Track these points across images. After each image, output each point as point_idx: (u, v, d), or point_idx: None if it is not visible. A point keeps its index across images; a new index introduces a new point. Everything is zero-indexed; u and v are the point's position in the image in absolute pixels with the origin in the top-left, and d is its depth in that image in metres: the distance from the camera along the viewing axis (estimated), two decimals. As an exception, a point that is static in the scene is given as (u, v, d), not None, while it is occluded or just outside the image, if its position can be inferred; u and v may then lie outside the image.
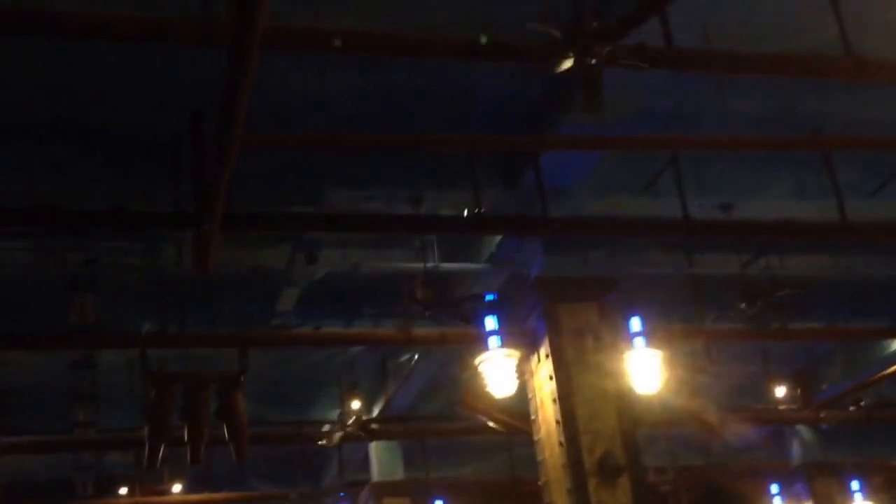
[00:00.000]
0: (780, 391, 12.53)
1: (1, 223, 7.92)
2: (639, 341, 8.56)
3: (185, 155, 7.44)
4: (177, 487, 13.84)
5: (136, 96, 7.42)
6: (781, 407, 12.74)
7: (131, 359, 10.05)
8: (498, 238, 9.25)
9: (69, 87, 7.40)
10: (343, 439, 11.37)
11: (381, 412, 12.72)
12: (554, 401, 8.52)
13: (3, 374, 10.62)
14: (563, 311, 8.56)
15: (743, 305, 9.48)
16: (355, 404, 11.36)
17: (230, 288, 9.67)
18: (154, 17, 5.67)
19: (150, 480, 13.55)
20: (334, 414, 11.83)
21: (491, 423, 10.44)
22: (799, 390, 12.29)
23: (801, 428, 14.46)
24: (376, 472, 13.82)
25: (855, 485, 14.01)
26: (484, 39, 5.36)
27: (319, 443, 11.50)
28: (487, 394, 9.08)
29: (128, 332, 9.91)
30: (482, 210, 7.75)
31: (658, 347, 8.58)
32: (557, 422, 8.49)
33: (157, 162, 7.97)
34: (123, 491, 13.88)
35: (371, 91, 7.57)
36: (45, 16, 5.58)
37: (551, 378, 8.55)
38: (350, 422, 11.23)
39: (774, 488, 14.40)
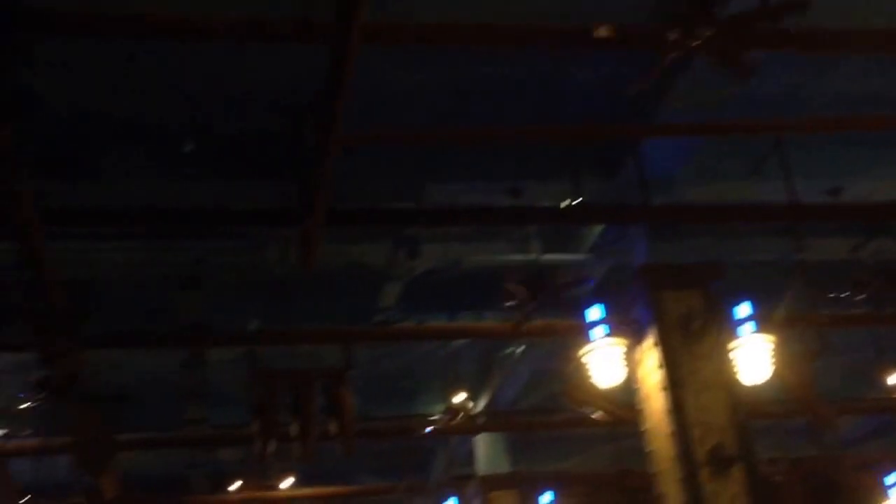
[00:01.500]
0: (894, 379, 12.06)
1: (112, 225, 8.18)
2: (747, 328, 8.37)
3: (287, 153, 7.58)
4: (286, 482, 14.10)
5: (239, 97, 7.59)
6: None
7: (239, 356, 10.27)
8: (599, 228, 9.16)
9: (174, 91, 7.61)
10: (449, 432, 11.41)
11: (486, 405, 12.72)
12: (661, 390, 8.37)
13: (117, 373, 10.97)
14: (668, 299, 8.39)
15: (853, 290, 9.16)
16: (460, 398, 11.38)
17: (333, 284, 9.81)
18: (254, 16, 5.77)
19: (260, 476, 13.83)
20: (439, 408, 11.88)
21: (596, 415, 10.34)
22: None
23: (919, 417, 13.94)
24: (482, 466, 13.83)
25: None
26: (603, 31, 5.29)
27: (427, 430, 11.55)
28: (591, 385, 9.00)
29: (235, 330, 10.14)
30: (582, 200, 7.69)
31: (767, 334, 8.37)
32: (666, 412, 8.35)
33: (260, 161, 8.14)
34: (235, 486, 14.18)
35: (465, 84, 7.58)
36: (151, 19, 5.75)
37: (658, 367, 8.41)
38: (455, 415, 11.26)
39: (890, 479, 13.87)
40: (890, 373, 11.89)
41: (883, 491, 13.89)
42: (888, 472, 13.88)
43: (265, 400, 9.30)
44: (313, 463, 12.22)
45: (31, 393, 11.43)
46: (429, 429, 11.62)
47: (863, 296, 8.99)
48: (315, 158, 6.53)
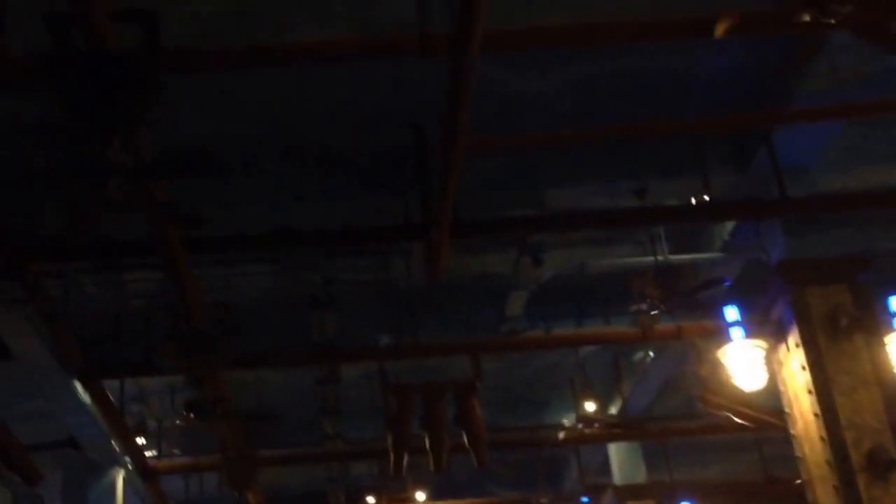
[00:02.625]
0: None
1: (246, 249, 8.26)
2: (901, 321, 7.80)
3: (408, 168, 7.49)
4: (420, 495, 14.02)
5: (357, 115, 7.53)
6: None
7: (370, 371, 10.23)
8: (730, 224, 8.73)
9: (294, 114, 7.61)
10: (581, 441, 11.10)
11: (618, 412, 12.35)
12: (809, 392, 7.87)
13: (255, 392, 11.10)
14: (811, 296, 7.88)
15: None
16: (591, 406, 11.06)
17: (459, 296, 9.67)
18: (373, 35, 5.70)
19: (395, 489, 13.81)
20: (569, 416, 11.59)
21: (736, 419, 9.87)
22: None
23: None
24: (617, 475, 13.42)
25: None
26: (722, 26, 4.97)
27: (559, 439, 11.28)
28: (729, 388, 8.57)
29: (366, 346, 10.13)
30: (712, 196, 7.32)
31: (922, 328, 7.79)
32: (815, 415, 7.84)
33: (383, 177, 8.07)
34: (371, 500, 14.19)
35: (583, 83, 7.32)
36: (271, 47, 5.75)
37: (804, 368, 7.91)
38: (587, 424, 10.95)
39: None
40: None
41: None
42: None
43: (397, 414, 9.22)
44: (446, 475, 12.15)
45: (179, 414, 11.73)
46: (561, 436, 11.35)
47: None
48: (440, 169, 6.41)
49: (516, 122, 7.23)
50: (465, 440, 9.11)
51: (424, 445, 9.02)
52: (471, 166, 6.90)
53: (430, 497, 14.03)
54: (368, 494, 14.29)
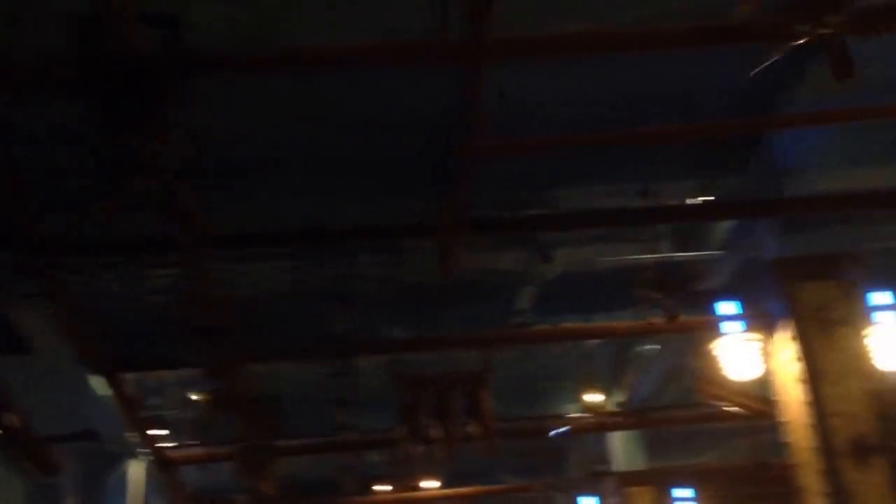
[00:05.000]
0: None
1: (272, 246, 8.44)
2: (885, 316, 8.01)
3: (425, 169, 7.67)
4: (430, 484, 14.21)
5: (377, 119, 7.69)
6: None
7: (385, 363, 10.41)
8: (729, 223, 8.92)
9: (316, 117, 7.76)
10: (585, 430, 11.29)
11: (620, 403, 12.54)
12: (799, 382, 8.09)
13: (274, 383, 11.26)
14: (802, 291, 8.11)
15: None
16: (595, 396, 11.25)
17: (471, 291, 9.84)
18: (392, 42, 5.87)
19: (406, 477, 13.98)
20: (575, 407, 11.78)
21: (730, 409, 10.07)
22: None
23: None
24: (619, 462, 13.62)
25: None
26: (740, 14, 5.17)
27: (564, 429, 11.46)
28: (724, 379, 8.77)
29: (382, 340, 10.30)
30: (713, 196, 7.51)
31: (905, 322, 8.01)
32: (804, 403, 8.06)
33: (400, 178, 8.24)
34: (383, 488, 14.36)
35: (591, 90, 7.50)
36: (293, 52, 5.92)
37: (796, 360, 8.12)
38: (591, 414, 11.14)
39: None
40: None
41: None
42: None
43: (410, 404, 9.40)
44: (456, 464, 12.33)
45: (196, 404, 11.89)
46: (566, 427, 11.53)
47: None
48: (455, 171, 6.60)
49: (528, 125, 7.40)
50: (475, 430, 9.29)
51: (435, 435, 9.20)
52: (485, 167, 7.10)
53: (441, 485, 14.22)
54: (380, 483, 14.49)
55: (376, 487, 14.61)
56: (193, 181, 6.48)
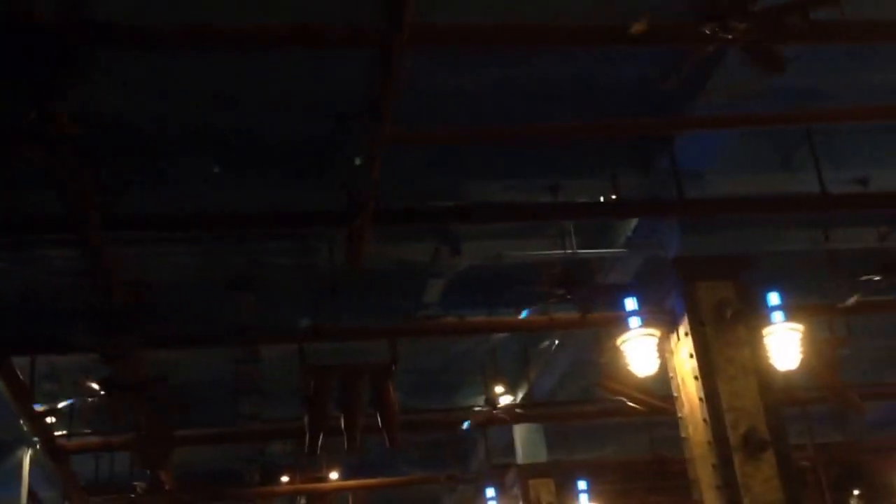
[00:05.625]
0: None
1: (171, 230, 8.21)
2: (777, 316, 8.28)
3: (336, 157, 7.58)
4: (334, 474, 14.10)
5: (290, 103, 7.57)
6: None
7: (291, 353, 10.25)
8: (633, 222, 9.08)
9: (222, 98, 7.59)
10: (488, 424, 11.35)
11: (524, 397, 12.65)
12: (695, 378, 8.29)
13: (175, 372, 11.00)
14: (701, 290, 8.32)
15: (879, 278, 9.02)
16: (499, 390, 11.32)
17: (378, 282, 9.77)
18: (304, 23, 5.74)
19: (309, 468, 13.83)
20: (479, 400, 11.82)
21: (630, 404, 10.24)
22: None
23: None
24: (521, 455, 13.76)
25: None
26: (638, 28, 5.23)
27: (467, 422, 11.50)
28: (625, 375, 8.92)
29: (286, 329, 10.12)
30: (618, 195, 7.62)
31: (796, 323, 8.29)
32: (700, 399, 8.26)
33: (309, 165, 8.13)
34: (285, 479, 14.19)
35: (507, 84, 7.52)
36: (201, 29, 5.73)
37: (692, 356, 8.32)
38: (495, 407, 11.20)
39: (916, 463, 13.66)
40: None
41: (909, 475, 13.71)
42: (914, 456, 13.68)
43: (314, 394, 9.27)
44: (360, 455, 12.25)
45: (92, 392, 11.51)
46: (468, 422, 11.57)
47: (889, 283, 8.85)
48: (364, 158, 6.53)
49: (441, 117, 7.38)
50: (380, 421, 9.23)
51: (340, 426, 9.11)
52: (395, 157, 7.06)
53: (344, 476, 14.12)
54: (283, 474, 14.30)
55: (279, 478, 14.41)
56: (93, 158, 6.28)
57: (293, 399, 10.04)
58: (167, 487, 12.66)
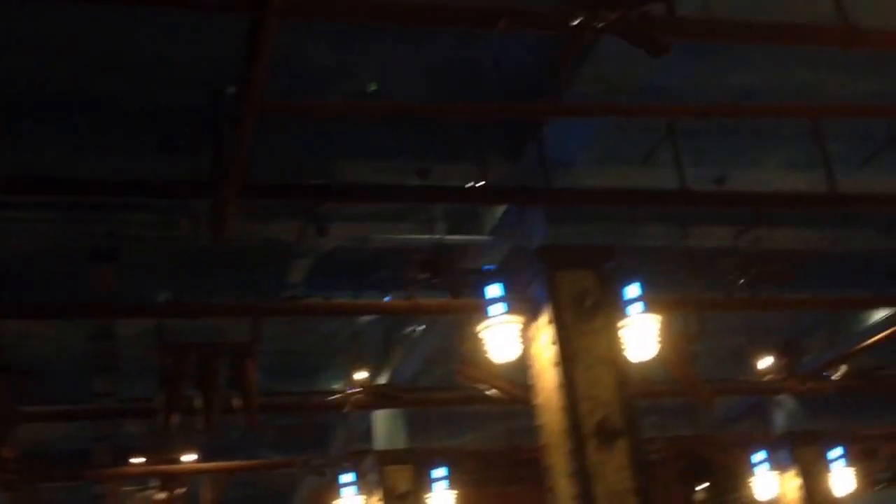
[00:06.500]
0: (766, 362, 12.48)
1: (24, 193, 7.79)
2: (636, 308, 8.51)
3: (204, 127, 7.34)
4: (189, 456, 13.72)
5: (157, 69, 7.31)
6: (767, 377, 12.70)
7: (148, 329, 9.91)
8: (501, 211, 9.17)
9: (88, 60, 7.28)
10: (349, 407, 11.27)
11: (386, 382, 12.63)
12: (555, 366, 8.44)
13: (25, 345, 10.49)
14: (563, 279, 8.48)
15: (733, 276, 9.42)
16: (361, 374, 11.26)
17: (243, 260, 9.56)
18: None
19: (163, 449, 13.42)
20: (341, 384, 11.73)
21: (490, 391, 10.36)
22: (784, 361, 12.22)
23: (785, 398, 14.43)
24: (380, 441, 13.71)
25: (836, 453, 13.99)
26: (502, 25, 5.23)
27: (328, 410, 11.41)
28: (486, 363, 9.00)
29: (145, 303, 9.74)
30: (487, 182, 7.67)
31: (654, 315, 8.54)
32: (557, 386, 8.41)
33: (178, 135, 7.87)
34: (138, 460, 13.73)
35: (391, 64, 7.46)
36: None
37: (552, 344, 8.47)
38: (356, 391, 11.14)
39: (759, 457, 14.36)
40: (762, 356, 12.32)
41: (750, 468, 14.41)
42: (755, 451, 14.39)
43: (171, 372, 8.99)
44: (216, 437, 11.96)
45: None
46: (331, 407, 11.46)
47: (743, 281, 9.24)
48: (233, 130, 6.35)
49: (327, 95, 7.26)
50: (239, 402, 9.02)
51: (197, 406, 8.86)
52: (265, 133, 6.89)
53: (199, 458, 13.75)
54: (136, 455, 13.83)
55: (132, 459, 13.92)
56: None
57: (150, 377, 9.71)
58: (10, 466, 12.05)
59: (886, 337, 11.81)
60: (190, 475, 13.77)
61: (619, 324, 8.50)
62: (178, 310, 9.17)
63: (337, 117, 7.30)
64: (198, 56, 7.13)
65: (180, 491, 13.71)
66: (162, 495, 13.67)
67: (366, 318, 11.33)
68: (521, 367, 8.91)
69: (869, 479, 15.00)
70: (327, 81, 7.47)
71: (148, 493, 14.22)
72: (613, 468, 8.22)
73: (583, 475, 8.13)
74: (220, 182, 6.95)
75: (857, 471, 14.23)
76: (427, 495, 13.46)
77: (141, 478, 13.93)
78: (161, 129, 8.03)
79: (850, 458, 14.10)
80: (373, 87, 6.64)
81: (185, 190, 7.66)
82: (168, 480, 13.55)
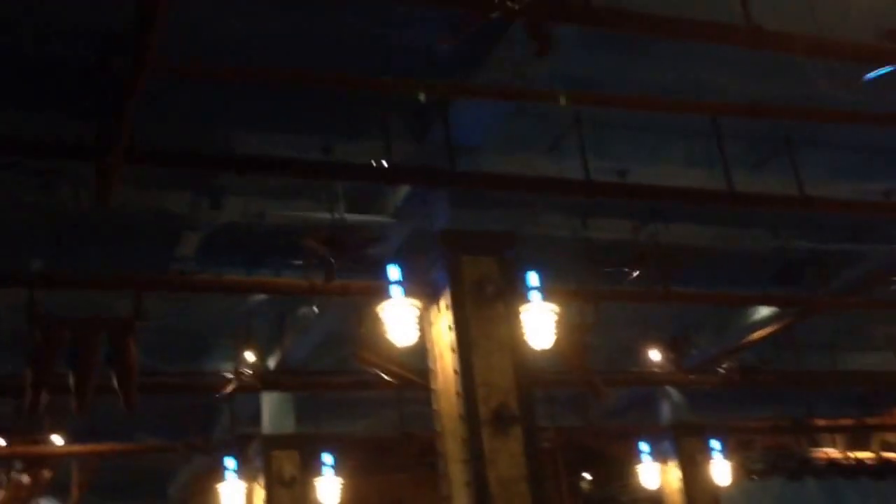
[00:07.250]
0: (656, 355, 12.74)
1: None
2: (535, 295, 8.49)
3: (92, 87, 6.90)
4: (58, 439, 13.07)
5: (44, 23, 6.83)
6: (655, 370, 12.96)
7: (19, 303, 9.31)
8: (403, 192, 9.00)
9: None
10: (236, 390, 10.93)
11: (276, 365, 12.31)
12: (452, 351, 8.34)
13: None
14: (464, 264, 8.38)
15: (630, 269, 9.53)
16: (250, 356, 10.92)
17: (130, 231, 9.09)
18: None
19: (28, 430, 12.71)
20: (229, 366, 11.35)
21: (385, 376, 10.21)
22: (672, 355, 12.51)
23: (672, 390, 14.77)
24: (267, 425, 13.36)
25: (715, 444, 14.43)
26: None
27: (216, 393, 11.02)
28: (383, 348, 8.85)
29: (15, 271, 9.07)
30: (391, 161, 7.48)
31: (552, 304, 8.55)
32: (455, 372, 8.31)
33: (63, 93, 7.38)
34: (1, 442, 12.98)
35: (299, 35, 7.18)
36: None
37: (450, 328, 8.36)
38: (245, 373, 10.80)
39: (644, 447, 14.67)
40: (651, 348, 12.56)
41: (638, 457, 14.73)
42: (643, 441, 14.71)
43: (41, 348, 8.46)
44: (90, 418, 11.37)
45: None
46: (216, 392, 11.08)
47: (638, 274, 9.35)
48: (121, 91, 5.98)
49: (231, 64, 6.90)
50: (116, 381, 8.57)
51: (68, 384, 8.37)
52: (164, 101, 6.52)
53: (71, 440, 13.12)
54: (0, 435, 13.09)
55: (-5, 441, 13.15)
56: None
57: (19, 354, 9.14)
58: None
59: (769, 334, 12.24)
60: (57, 458, 13.10)
61: (519, 311, 8.46)
62: (53, 281, 8.60)
63: (228, 82, 6.94)
64: (95, 13, 6.69)
65: (47, 475, 13.05)
66: (26, 478, 12.97)
67: (259, 298, 10.96)
68: (418, 353, 8.77)
69: (745, 470, 15.54)
70: (229, 49, 7.12)
71: (13, 475, 13.48)
72: (507, 455, 8.18)
73: (477, 462, 8.06)
74: (105, 145, 6.57)
75: (734, 462, 14.70)
76: (315, 481, 13.25)
77: (3, 460, 13.14)
78: (47, 85, 7.51)
79: (729, 449, 14.55)
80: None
81: (67, 151, 7.17)
82: (32, 464, 12.85)
